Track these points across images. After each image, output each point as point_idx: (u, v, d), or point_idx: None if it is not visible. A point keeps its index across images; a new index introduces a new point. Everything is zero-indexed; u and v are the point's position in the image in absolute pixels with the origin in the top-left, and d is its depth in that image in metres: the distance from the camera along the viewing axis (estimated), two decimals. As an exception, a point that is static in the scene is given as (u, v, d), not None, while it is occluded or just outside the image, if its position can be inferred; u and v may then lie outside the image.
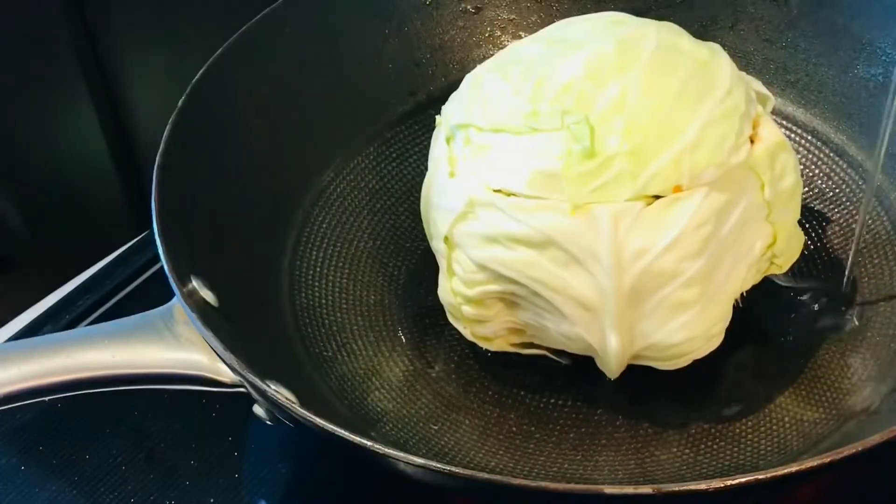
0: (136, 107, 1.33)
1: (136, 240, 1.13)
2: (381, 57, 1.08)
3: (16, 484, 0.91)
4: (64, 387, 0.77)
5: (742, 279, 0.86)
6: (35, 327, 1.05)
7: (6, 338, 1.05)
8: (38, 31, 1.21)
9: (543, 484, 0.72)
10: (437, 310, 0.91)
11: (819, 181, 1.04)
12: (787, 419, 0.86)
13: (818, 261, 0.97)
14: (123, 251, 1.12)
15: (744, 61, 1.08)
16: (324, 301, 0.96)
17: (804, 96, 1.07)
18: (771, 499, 0.83)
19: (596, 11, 0.94)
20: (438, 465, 0.72)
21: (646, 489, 0.67)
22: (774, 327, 0.92)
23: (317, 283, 0.97)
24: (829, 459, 0.69)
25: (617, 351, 0.84)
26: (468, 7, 1.13)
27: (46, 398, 0.77)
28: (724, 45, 0.91)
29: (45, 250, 1.25)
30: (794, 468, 0.70)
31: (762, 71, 1.08)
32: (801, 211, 0.91)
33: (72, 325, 1.04)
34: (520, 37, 1.10)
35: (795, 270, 0.93)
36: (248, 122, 0.99)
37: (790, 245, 0.91)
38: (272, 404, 0.76)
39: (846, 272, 0.93)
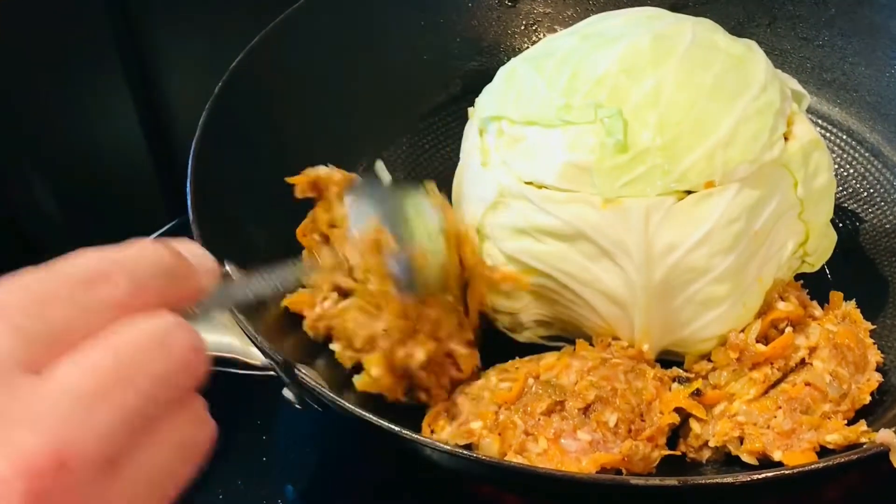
0: (171, 93, 1.34)
1: (169, 225, 1.14)
2: (415, 48, 1.09)
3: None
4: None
5: (773, 276, 0.86)
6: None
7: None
8: (78, 19, 1.22)
9: (569, 473, 0.72)
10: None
11: (853, 181, 1.03)
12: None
13: (850, 261, 0.96)
14: (157, 236, 1.13)
15: (780, 59, 1.07)
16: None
17: (840, 95, 1.06)
18: (798, 497, 0.83)
19: (632, 6, 0.94)
20: (465, 452, 0.72)
21: (671, 481, 0.68)
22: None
23: (348, 271, 0.97)
24: (855, 457, 0.69)
25: (645, 347, 0.84)
26: (504, 0, 1.13)
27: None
28: (760, 43, 0.91)
29: (79, 234, 1.27)
30: (820, 465, 0.70)
31: (798, 69, 1.08)
32: (835, 210, 0.91)
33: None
34: (555, 30, 1.10)
35: (827, 269, 0.92)
36: (283, 109, 1.00)
37: (822, 244, 0.91)
38: (302, 388, 0.77)
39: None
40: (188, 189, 0.86)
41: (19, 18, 1.13)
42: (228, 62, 0.97)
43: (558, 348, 0.87)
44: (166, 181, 1.35)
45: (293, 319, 0.88)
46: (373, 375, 0.80)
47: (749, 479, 0.67)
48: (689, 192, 0.81)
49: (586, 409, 0.78)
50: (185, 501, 0.49)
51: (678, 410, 0.80)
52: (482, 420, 0.78)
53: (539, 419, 0.77)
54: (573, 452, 0.75)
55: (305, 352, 0.85)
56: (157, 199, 1.36)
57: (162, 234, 1.13)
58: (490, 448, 0.76)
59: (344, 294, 0.85)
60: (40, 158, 1.23)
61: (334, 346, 0.85)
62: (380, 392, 0.81)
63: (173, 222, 1.14)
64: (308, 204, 0.98)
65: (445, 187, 0.98)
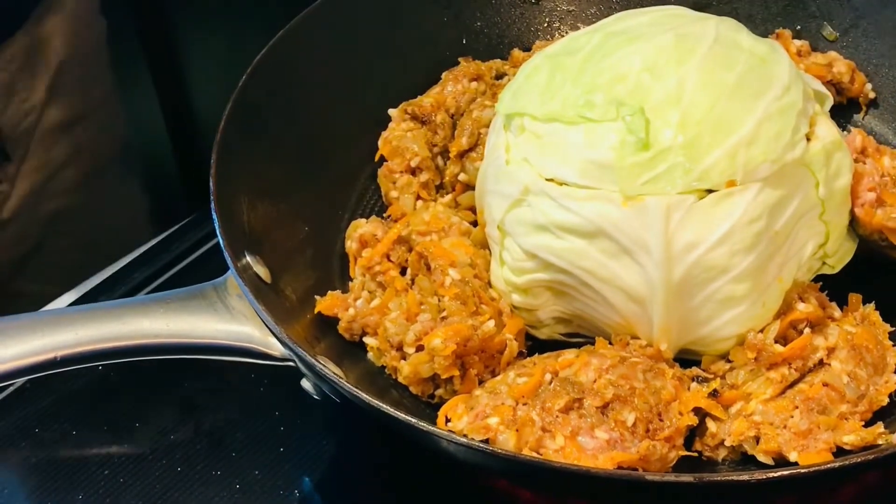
0: (195, 86, 1.35)
1: (190, 217, 1.15)
2: (438, 43, 1.09)
3: (68, 447, 0.93)
4: (118, 353, 0.78)
5: (793, 276, 0.86)
6: (90, 298, 1.07)
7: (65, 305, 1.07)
8: (105, 12, 1.23)
9: (585, 468, 0.72)
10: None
11: (875, 183, 1.03)
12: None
13: (871, 263, 0.96)
14: (179, 227, 1.14)
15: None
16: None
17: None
18: (814, 497, 0.83)
19: (656, 5, 0.94)
20: (481, 445, 0.73)
21: (687, 478, 0.68)
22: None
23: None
24: (871, 458, 0.69)
25: (664, 347, 0.84)
26: (528, -3, 1.14)
27: (100, 364, 0.79)
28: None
29: (103, 223, 1.28)
30: (835, 464, 0.70)
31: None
32: (856, 212, 0.91)
33: (126, 296, 1.06)
34: (578, 28, 1.10)
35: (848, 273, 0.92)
36: (306, 103, 1.00)
37: (842, 246, 0.91)
38: (320, 379, 0.77)
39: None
40: (211, 179, 0.87)
41: None
42: (253, 55, 0.97)
43: (578, 345, 0.87)
44: (189, 173, 1.36)
45: (314, 311, 0.89)
46: (433, 346, 0.81)
47: (765, 477, 0.67)
48: (710, 191, 0.81)
49: (604, 408, 0.78)
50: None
51: (695, 410, 0.80)
52: (499, 416, 0.78)
53: (557, 416, 0.77)
54: (590, 450, 0.76)
55: (324, 344, 0.86)
56: (179, 191, 1.37)
57: (183, 226, 1.14)
58: (506, 444, 0.76)
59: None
60: (63, 146, 1.24)
61: (369, 341, 0.87)
62: (417, 379, 0.82)
63: (194, 214, 1.14)
64: (329, 199, 0.99)
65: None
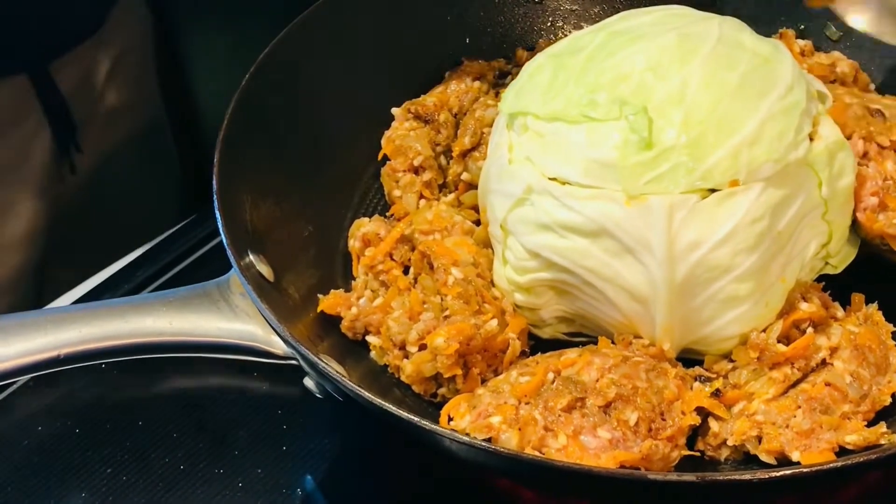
0: (198, 84, 1.35)
1: (193, 216, 1.15)
2: (442, 43, 1.09)
3: (70, 445, 0.94)
4: (121, 351, 0.78)
5: (796, 276, 0.86)
6: (94, 297, 1.07)
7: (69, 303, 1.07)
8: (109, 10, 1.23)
9: (586, 467, 0.72)
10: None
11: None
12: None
13: (873, 263, 0.96)
14: (181, 225, 1.14)
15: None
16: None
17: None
18: (816, 497, 0.83)
19: (659, 4, 0.94)
20: (484, 444, 0.73)
21: (689, 477, 0.68)
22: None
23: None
24: (874, 457, 0.69)
25: (667, 346, 0.84)
26: (531, -3, 1.14)
27: (104, 361, 0.79)
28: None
29: (103, 224, 1.28)
30: (838, 464, 0.70)
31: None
32: (860, 212, 0.91)
33: (129, 295, 1.06)
34: (581, 27, 1.10)
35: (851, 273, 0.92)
36: (309, 101, 1.00)
37: (845, 246, 0.91)
38: (323, 377, 0.77)
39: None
40: (213, 178, 0.87)
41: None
42: (256, 54, 0.97)
43: (581, 344, 0.87)
44: (192, 172, 1.36)
45: (316, 310, 0.89)
46: (436, 345, 0.81)
47: (767, 476, 0.67)
48: (713, 191, 0.81)
49: (607, 407, 0.78)
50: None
51: (698, 409, 0.80)
52: (502, 415, 0.78)
53: (559, 415, 0.77)
54: (592, 450, 0.76)
55: (326, 342, 0.86)
56: (182, 190, 1.37)
57: (186, 225, 1.14)
58: (509, 443, 0.76)
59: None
60: (66, 146, 1.24)
61: (372, 340, 0.87)
62: (420, 378, 0.82)
63: (196, 213, 1.14)
64: (332, 198, 0.99)
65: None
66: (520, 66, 1.01)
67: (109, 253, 1.11)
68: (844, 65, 1.03)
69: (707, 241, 0.81)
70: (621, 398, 0.78)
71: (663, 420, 0.78)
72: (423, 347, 0.82)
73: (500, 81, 1.05)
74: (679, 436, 0.78)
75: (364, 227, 0.93)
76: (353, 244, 0.93)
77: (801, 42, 1.06)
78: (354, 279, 0.92)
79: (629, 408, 0.78)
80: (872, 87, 1.05)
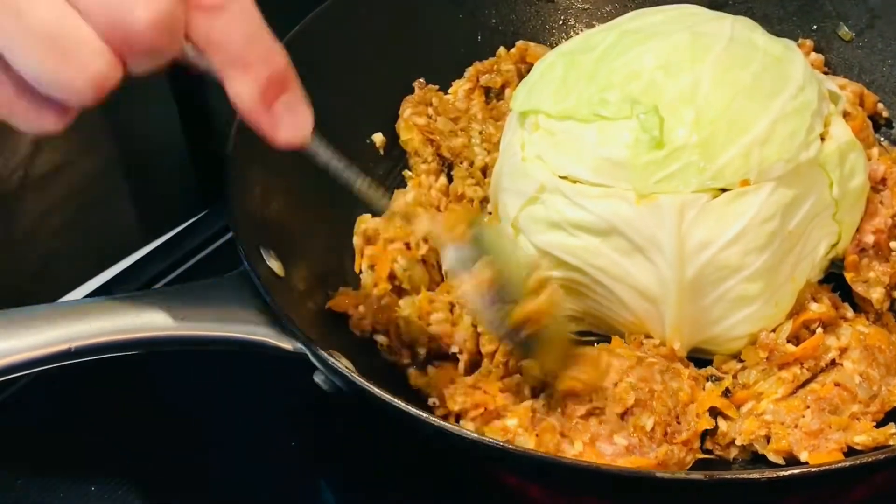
0: (210, 81, 1.35)
1: (204, 212, 1.15)
2: (453, 40, 1.09)
3: (79, 440, 0.93)
4: (132, 344, 0.78)
5: (806, 276, 0.86)
6: (105, 292, 1.07)
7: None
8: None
9: (594, 465, 0.72)
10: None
11: (891, 184, 1.02)
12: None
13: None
14: (193, 221, 1.14)
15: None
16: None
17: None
18: (825, 497, 0.82)
19: (671, 3, 0.94)
20: (491, 441, 0.73)
21: (698, 476, 0.68)
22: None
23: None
24: (882, 458, 0.69)
25: (677, 346, 0.84)
26: (543, -5, 1.14)
27: (115, 354, 0.79)
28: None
29: (116, 218, 1.28)
30: (846, 464, 0.70)
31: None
32: (870, 213, 0.91)
33: (141, 289, 1.06)
34: (593, 26, 1.10)
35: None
36: (321, 98, 1.00)
37: (855, 247, 0.91)
38: (332, 373, 0.77)
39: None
40: (226, 174, 0.87)
41: None
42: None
43: (590, 343, 0.87)
44: (203, 168, 1.36)
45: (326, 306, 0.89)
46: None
47: (775, 475, 0.67)
48: (723, 190, 0.81)
49: (624, 413, 0.78)
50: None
51: (709, 410, 0.80)
52: (518, 418, 0.78)
53: (577, 422, 0.78)
54: (609, 456, 0.76)
55: (336, 338, 0.86)
56: (194, 186, 1.37)
57: (197, 221, 1.14)
58: (524, 446, 0.77)
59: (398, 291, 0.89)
60: (76, 142, 1.25)
61: (380, 339, 0.87)
62: None
63: (208, 209, 1.15)
64: (344, 194, 0.99)
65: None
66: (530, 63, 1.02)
67: (120, 249, 1.11)
68: (847, 92, 1.02)
69: (717, 241, 0.81)
70: (639, 403, 0.78)
71: (678, 424, 0.78)
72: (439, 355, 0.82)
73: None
74: (694, 440, 0.78)
75: (366, 223, 0.93)
76: (356, 240, 0.93)
77: (812, 56, 1.06)
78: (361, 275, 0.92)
79: (646, 413, 0.78)
80: (881, 105, 1.04)
